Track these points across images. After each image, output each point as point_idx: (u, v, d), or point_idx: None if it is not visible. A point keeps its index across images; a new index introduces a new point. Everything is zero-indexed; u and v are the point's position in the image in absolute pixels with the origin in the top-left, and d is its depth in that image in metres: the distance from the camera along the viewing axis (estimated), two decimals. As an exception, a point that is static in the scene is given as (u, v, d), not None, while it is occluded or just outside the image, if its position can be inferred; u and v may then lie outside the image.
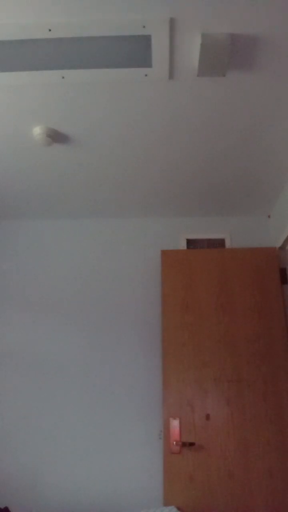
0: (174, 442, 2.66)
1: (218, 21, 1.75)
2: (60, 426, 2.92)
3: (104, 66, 1.96)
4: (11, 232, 3.43)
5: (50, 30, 1.78)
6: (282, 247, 3.11)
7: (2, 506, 2.69)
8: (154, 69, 1.97)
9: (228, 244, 3.33)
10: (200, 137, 2.47)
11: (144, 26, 1.77)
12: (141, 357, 3.06)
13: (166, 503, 2.58)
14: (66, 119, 2.32)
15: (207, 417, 2.72)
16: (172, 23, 1.77)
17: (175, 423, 2.71)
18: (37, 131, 2.36)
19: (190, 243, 3.36)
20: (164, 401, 2.77)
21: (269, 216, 3.41)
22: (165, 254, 3.11)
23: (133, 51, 1.88)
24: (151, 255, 3.31)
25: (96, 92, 2.13)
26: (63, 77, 2.02)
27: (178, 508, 2.53)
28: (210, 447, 2.66)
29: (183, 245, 3.35)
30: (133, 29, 1.78)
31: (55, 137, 2.42)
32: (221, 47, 1.82)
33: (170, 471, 2.62)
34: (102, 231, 3.42)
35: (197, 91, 2.12)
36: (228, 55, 1.85)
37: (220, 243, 3.35)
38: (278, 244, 3.11)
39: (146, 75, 2.01)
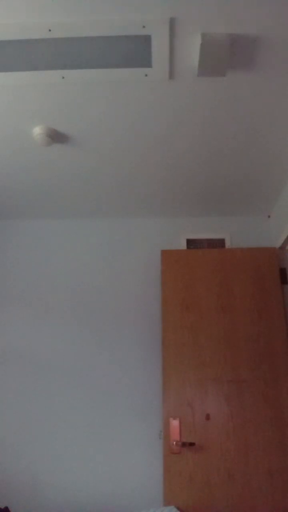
0: (174, 442, 2.66)
1: (218, 21, 1.76)
2: (60, 426, 2.92)
3: (104, 66, 1.96)
4: (11, 232, 3.43)
5: (50, 30, 1.78)
6: (282, 247, 3.11)
7: (2, 506, 2.69)
8: (154, 69, 1.97)
9: (228, 244, 3.33)
10: (200, 137, 2.47)
11: (144, 26, 1.77)
12: (141, 357, 3.06)
13: (166, 503, 2.58)
14: (66, 119, 2.32)
15: (207, 417, 2.72)
16: (172, 23, 1.77)
17: (175, 423, 2.71)
18: (37, 131, 2.36)
19: (190, 243, 3.36)
20: (164, 401, 2.77)
21: (269, 216, 3.41)
22: (165, 254, 3.11)
23: (133, 51, 1.88)
24: (151, 255, 3.31)
25: (96, 92, 2.13)
26: (63, 77, 2.02)
27: (178, 508, 2.53)
28: (210, 447, 2.65)
29: (183, 245, 3.34)
30: (133, 29, 1.78)
31: (55, 137, 2.42)
32: (221, 47, 1.82)
33: (170, 471, 2.62)
34: (102, 231, 3.42)
35: (197, 91, 2.12)
36: (228, 55, 1.86)
37: (220, 243, 3.35)
38: (278, 244, 3.11)
39: (146, 75, 2.01)
